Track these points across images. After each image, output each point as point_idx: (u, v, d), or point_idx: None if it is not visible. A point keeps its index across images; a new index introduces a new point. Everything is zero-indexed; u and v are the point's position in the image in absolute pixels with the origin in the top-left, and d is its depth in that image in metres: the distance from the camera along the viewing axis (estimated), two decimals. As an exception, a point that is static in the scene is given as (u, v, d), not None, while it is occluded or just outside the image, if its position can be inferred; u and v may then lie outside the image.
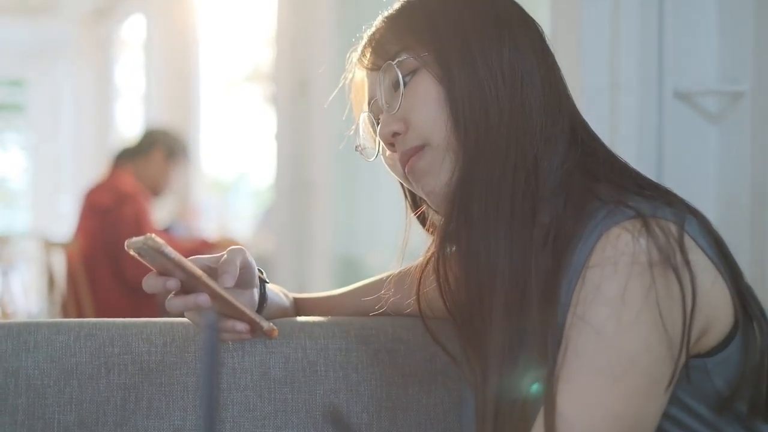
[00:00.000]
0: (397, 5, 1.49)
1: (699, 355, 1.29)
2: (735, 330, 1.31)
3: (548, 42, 1.46)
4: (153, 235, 1.32)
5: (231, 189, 9.33)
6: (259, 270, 1.53)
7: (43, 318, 4.98)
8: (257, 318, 1.46)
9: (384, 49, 1.44)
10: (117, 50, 9.85)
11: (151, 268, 1.39)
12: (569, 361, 1.25)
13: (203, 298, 1.38)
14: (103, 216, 4.91)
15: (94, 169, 8.20)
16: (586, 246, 1.28)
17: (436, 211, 1.49)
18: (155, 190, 5.21)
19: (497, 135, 1.36)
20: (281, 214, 5.28)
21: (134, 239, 1.30)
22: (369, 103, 1.49)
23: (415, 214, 1.54)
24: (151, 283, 1.40)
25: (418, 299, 1.46)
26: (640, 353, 1.22)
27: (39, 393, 1.50)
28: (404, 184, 1.50)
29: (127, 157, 5.24)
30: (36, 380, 1.50)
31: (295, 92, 5.11)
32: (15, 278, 9.46)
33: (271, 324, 1.48)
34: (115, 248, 4.82)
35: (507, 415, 1.31)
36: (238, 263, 1.44)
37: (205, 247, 4.86)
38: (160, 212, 5.84)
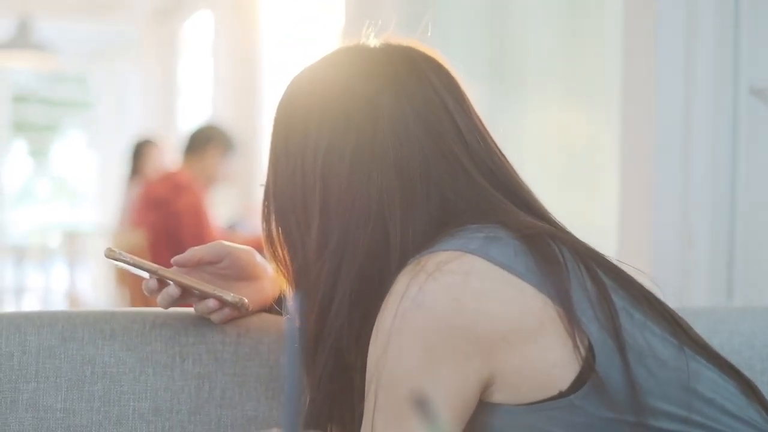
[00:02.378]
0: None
1: (562, 393, 1.24)
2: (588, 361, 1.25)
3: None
4: (109, 246, 1.49)
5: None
6: None
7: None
8: (222, 293, 1.49)
9: None
10: (182, 47, 9.91)
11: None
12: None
13: (172, 289, 1.47)
14: (161, 207, 5.01)
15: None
16: None
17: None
18: (209, 181, 5.33)
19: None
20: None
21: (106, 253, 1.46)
22: None
23: None
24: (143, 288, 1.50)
25: None
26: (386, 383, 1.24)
27: (115, 380, 1.51)
28: None
29: (184, 152, 5.38)
30: (112, 368, 1.52)
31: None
32: (82, 273, 9.57)
33: (239, 297, 1.50)
34: (175, 239, 4.90)
35: None
36: (199, 255, 1.49)
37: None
38: (224, 209, 5.89)
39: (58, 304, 9.61)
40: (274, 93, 7.67)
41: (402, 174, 1.32)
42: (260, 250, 1.61)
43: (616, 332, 1.26)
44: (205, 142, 5.38)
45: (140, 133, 8.72)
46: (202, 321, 1.56)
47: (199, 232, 4.88)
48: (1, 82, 11.50)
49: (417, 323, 1.23)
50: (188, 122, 9.43)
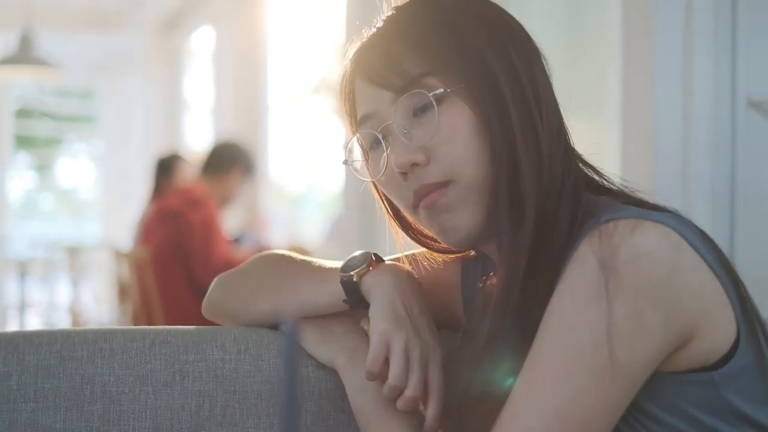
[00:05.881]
0: (407, 14, 1.42)
1: (705, 368, 1.27)
2: (738, 340, 1.28)
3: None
4: None
5: (300, 199, 9.37)
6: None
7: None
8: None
9: (403, 68, 1.36)
10: (186, 62, 9.93)
11: None
12: (531, 352, 1.26)
13: None
14: (173, 220, 4.97)
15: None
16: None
17: (424, 244, 1.50)
18: (226, 201, 5.30)
19: (534, 174, 1.35)
20: (350, 225, 5.29)
21: None
22: (364, 119, 1.42)
23: (401, 226, 1.53)
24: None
25: None
26: (585, 351, 1.22)
27: (114, 399, 1.51)
28: (399, 209, 1.46)
29: (204, 169, 5.34)
30: (111, 387, 1.51)
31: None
32: (86, 288, 9.57)
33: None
34: (185, 252, 4.89)
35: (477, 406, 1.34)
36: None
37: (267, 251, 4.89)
38: (230, 223, 5.89)
39: (61, 319, 9.62)
40: (277, 106, 7.69)
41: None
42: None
43: (755, 323, 1.31)
44: (229, 165, 5.34)
45: (149, 148, 8.74)
46: (202, 338, 1.56)
47: (208, 248, 4.86)
48: (4, 96, 11.51)
49: (637, 283, 1.22)
50: (193, 136, 9.45)
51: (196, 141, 9.26)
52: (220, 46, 8.33)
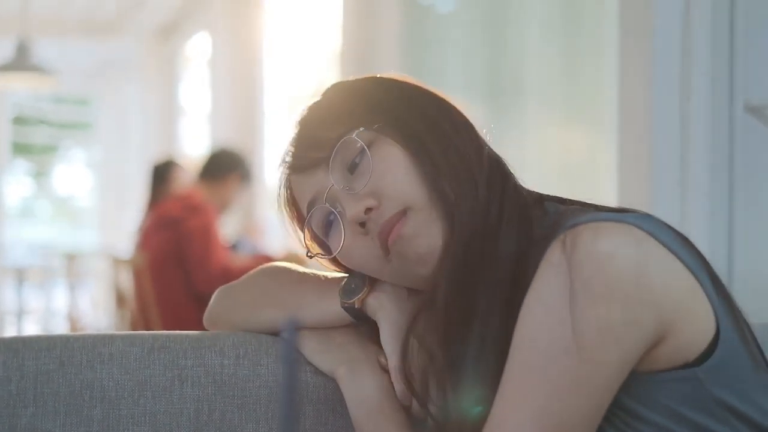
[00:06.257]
0: (312, 105, 1.50)
1: (687, 365, 1.27)
2: (718, 334, 1.29)
3: None
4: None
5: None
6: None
7: (111, 333, 5.05)
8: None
9: (323, 138, 1.43)
10: (182, 68, 9.94)
11: None
12: (507, 363, 1.28)
13: None
14: (172, 226, 4.97)
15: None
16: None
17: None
18: (223, 207, 5.31)
19: (470, 178, 1.38)
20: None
21: None
22: (310, 205, 1.46)
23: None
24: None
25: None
26: (557, 356, 1.23)
27: (113, 404, 1.51)
28: (368, 271, 1.46)
29: (201, 175, 5.36)
30: (110, 392, 1.52)
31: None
32: (83, 294, 9.57)
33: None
34: (184, 259, 4.89)
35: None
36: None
37: (269, 263, 4.89)
38: (226, 229, 5.89)
39: (59, 326, 9.62)
40: (273, 112, 7.69)
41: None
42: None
43: (735, 317, 1.32)
44: (226, 171, 5.36)
45: (146, 154, 8.73)
46: (201, 343, 1.56)
47: (206, 254, 4.86)
48: (1, 104, 11.51)
49: (605, 282, 1.23)
50: (189, 142, 9.45)
51: (193, 147, 9.26)
52: (216, 52, 8.33)
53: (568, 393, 1.23)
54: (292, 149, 1.48)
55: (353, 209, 1.38)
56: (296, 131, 1.49)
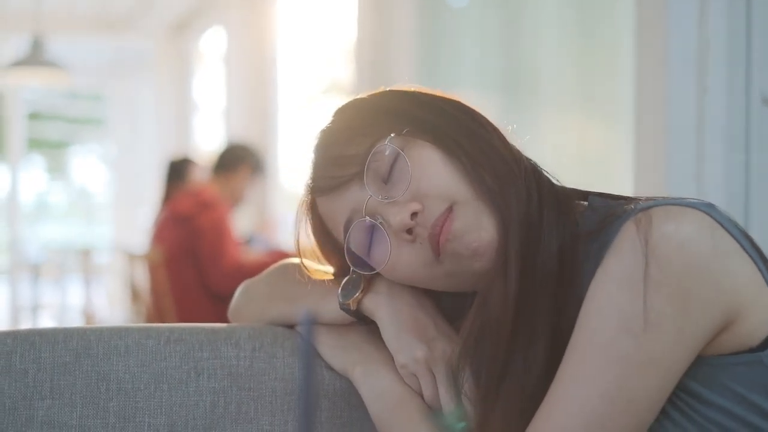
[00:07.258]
0: (325, 129, 1.48)
1: (752, 350, 1.28)
2: None
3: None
4: None
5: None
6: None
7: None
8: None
9: (350, 155, 1.41)
10: (196, 63, 9.94)
11: None
12: (571, 342, 1.28)
13: None
14: (184, 223, 4.98)
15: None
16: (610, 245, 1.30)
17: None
18: (236, 201, 5.32)
19: (508, 169, 1.39)
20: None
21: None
22: (347, 224, 1.42)
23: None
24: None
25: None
26: (628, 336, 1.23)
27: (130, 396, 1.51)
28: (419, 283, 1.44)
29: (213, 170, 5.38)
30: (127, 384, 1.52)
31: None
32: (98, 290, 9.59)
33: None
34: (197, 254, 4.90)
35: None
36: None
37: (283, 259, 4.89)
38: (240, 225, 5.90)
39: (74, 321, 9.64)
40: (287, 108, 7.69)
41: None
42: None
43: None
44: (236, 162, 5.39)
45: (159, 150, 8.73)
46: (217, 336, 1.57)
47: (218, 251, 4.87)
48: (15, 100, 11.54)
49: (682, 264, 1.24)
50: (203, 138, 9.46)
51: (207, 143, 9.27)
52: (230, 47, 8.33)
53: (637, 372, 1.24)
54: (316, 173, 1.46)
55: (398, 217, 1.35)
56: (316, 156, 1.47)
